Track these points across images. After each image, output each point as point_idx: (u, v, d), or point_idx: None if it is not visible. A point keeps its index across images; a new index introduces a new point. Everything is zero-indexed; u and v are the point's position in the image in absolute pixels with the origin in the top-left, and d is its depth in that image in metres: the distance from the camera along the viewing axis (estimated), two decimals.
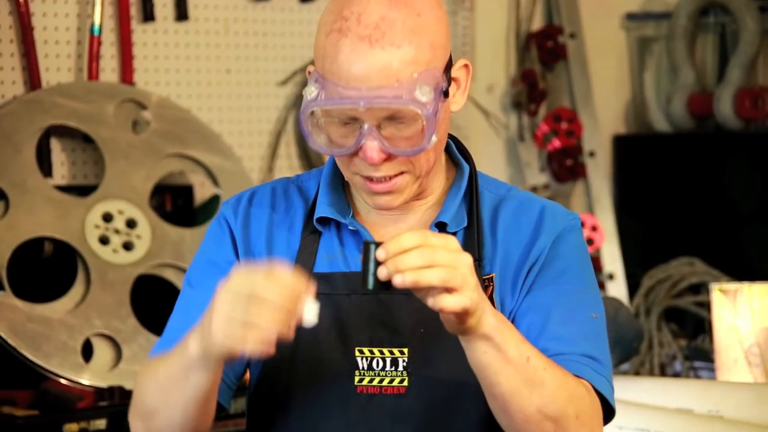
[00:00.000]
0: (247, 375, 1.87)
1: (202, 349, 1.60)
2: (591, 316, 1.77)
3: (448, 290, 1.53)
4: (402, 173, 1.72)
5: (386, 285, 1.54)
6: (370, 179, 1.72)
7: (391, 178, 1.72)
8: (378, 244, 1.53)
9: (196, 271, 1.84)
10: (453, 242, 1.55)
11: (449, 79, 1.73)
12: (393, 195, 1.74)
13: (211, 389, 1.66)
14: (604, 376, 1.74)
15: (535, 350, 1.64)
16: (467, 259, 1.54)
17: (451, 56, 1.75)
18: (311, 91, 1.69)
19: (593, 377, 1.72)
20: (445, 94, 1.71)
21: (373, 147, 1.68)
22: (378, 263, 1.53)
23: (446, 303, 1.53)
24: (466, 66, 1.77)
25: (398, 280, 1.51)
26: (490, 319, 1.58)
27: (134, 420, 1.75)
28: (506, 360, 1.60)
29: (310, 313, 1.56)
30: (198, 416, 1.69)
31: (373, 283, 1.53)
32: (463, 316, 1.55)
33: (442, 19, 1.71)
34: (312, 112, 1.70)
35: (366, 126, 1.67)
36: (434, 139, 1.69)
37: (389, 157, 1.70)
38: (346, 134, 1.70)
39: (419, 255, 1.52)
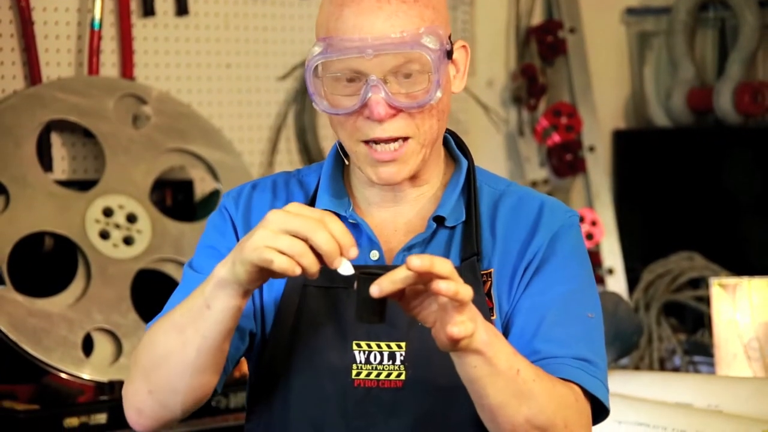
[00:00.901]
0: (247, 369, 1.87)
1: (230, 267, 1.59)
2: (586, 316, 1.77)
3: (456, 307, 1.53)
4: (406, 140, 1.72)
5: (381, 317, 1.55)
6: (375, 144, 1.72)
7: (395, 141, 1.71)
8: (373, 278, 1.53)
9: (198, 256, 1.84)
10: (449, 265, 1.54)
11: (451, 51, 1.74)
12: (397, 165, 1.73)
13: (230, 326, 1.63)
14: (598, 377, 1.74)
15: (525, 361, 1.64)
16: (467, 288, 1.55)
17: (450, 36, 1.76)
18: (315, 50, 1.70)
19: (586, 380, 1.72)
20: (449, 55, 1.73)
21: (378, 100, 1.68)
22: (370, 299, 1.53)
23: (454, 332, 1.53)
24: (464, 47, 1.78)
25: (415, 263, 1.50)
26: (482, 335, 1.58)
27: (134, 382, 1.72)
28: (496, 373, 1.60)
29: (344, 269, 1.57)
30: (209, 365, 1.66)
31: (366, 317, 1.54)
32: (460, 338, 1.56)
33: None
34: (317, 73, 1.71)
35: (372, 77, 1.68)
36: (439, 94, 1.70)
37: (395, 114, 1.70)
38: (350, 93, 1.71)
39: (445, 263, 1.52)
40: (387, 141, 1.71)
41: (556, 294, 1.76)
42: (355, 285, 1.55)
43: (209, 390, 1.71)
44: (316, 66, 1.71)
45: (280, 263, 1.54)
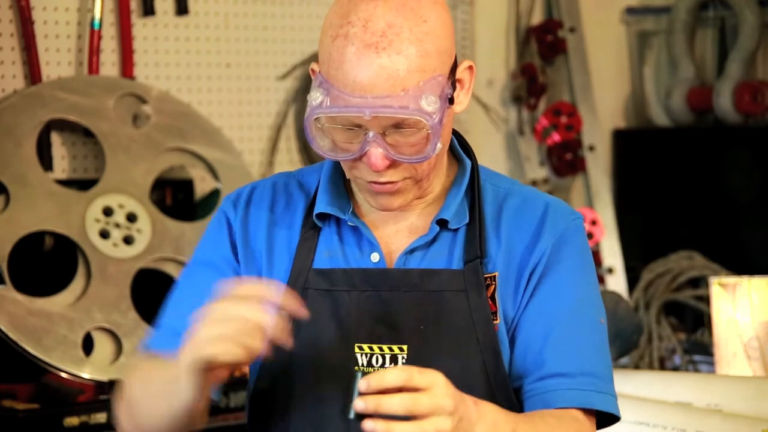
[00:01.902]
0: (247, 369, 1.87)
1: (184, 365, 1.61)
2: (594, 324, 1.78)
3: None
4: (404, 178, 1.72)
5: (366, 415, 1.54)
6: (373, 182, 1.72)
7: (393, 182, 1.72)
8: (364, 374, 1.53)
9: (192, 268, 1.85)
10: (438, 379, 1.54)
11: (454, 83, 1.72)
12: (394, 196, 1.74)
13: (197, 406, 1.67)
14: (607, 392, 1.76)
15: (525, 427, 1.65)
16: (448, 403, 1.54)
17: (456, 58, 1.74)
18: (316, 97, 1.67)
19: (596, 401, 1.74)
20: (450, 100, 1.71)
21: (377, 154, 1.67)
22: (360, 393, 1.52)
23: None
24: (470, 68, 1.76)
25: (369, 428, 1.51)
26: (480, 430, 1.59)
27: (121, 415, 1.75)
28: None
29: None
30: (189, 423, 1.71)
31: (355, 414, 1.53)
32: None
33: (447, 22, 1.70)
34: (316, 118, 1.69)
35: (371, 133, 1.66)
36: (439, 146, 1.68)
37: (393, 164, 1.70)
38: (350, 139, 1.69)
39: (400, 402, 1.51)
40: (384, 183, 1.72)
41: (565, 303, 1.76)
42: (351, 382, 1.54)
43: (199, 424, 1.74)
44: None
45: (222, 352, 1.56)
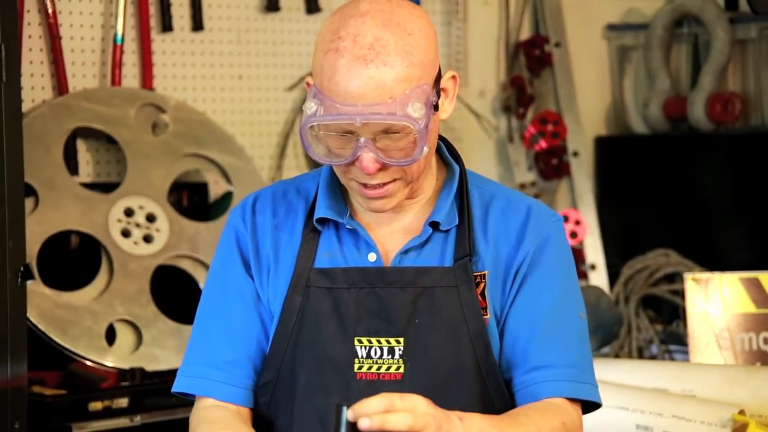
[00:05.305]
0: None
1: None
2: (575, 319, 1.79)
3: None
4: (394, 180, 1.73)
5: None
6: (365, 185, 1.73)
7: (384, 184, 1.72)
8: (348, 407, 1.53)
9: (216, 294, 1.84)
10: (418, 402, 1.56)
11: (438, 92, 1.73)
12: (386, 199, 1.74)
13: None
14: (588, 381, 1.77)
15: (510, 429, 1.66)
16: (430, 423, 1.55)
17: (440, 68, 1.74)
18: (310, 107, 1.68)
19: (578, 391, 1.75)
20: (435, 107, 1.71)
21: (368, 158, 1.68)
22: (348, 423, 1.52)
23: None
24: (453, 77, 1.76)
25: (365, 423, 1.51)
26: None
27: None
28: None
29: None
30: None
31: None
32: None
33: (431, 36, 1.71)
34: (311, 126, 1.70)
35: (362, 139, 1.67)
36: (425, 149, 1.69)
37: (383, 167, 1.70)
38: (343, 145, 1.70)
39: (400, 419, 1.53)
40: (375, 186, 1.72)
41: (548, 300, 1.77)
42: (338, 416, 1.54)
43: None
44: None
45: None
